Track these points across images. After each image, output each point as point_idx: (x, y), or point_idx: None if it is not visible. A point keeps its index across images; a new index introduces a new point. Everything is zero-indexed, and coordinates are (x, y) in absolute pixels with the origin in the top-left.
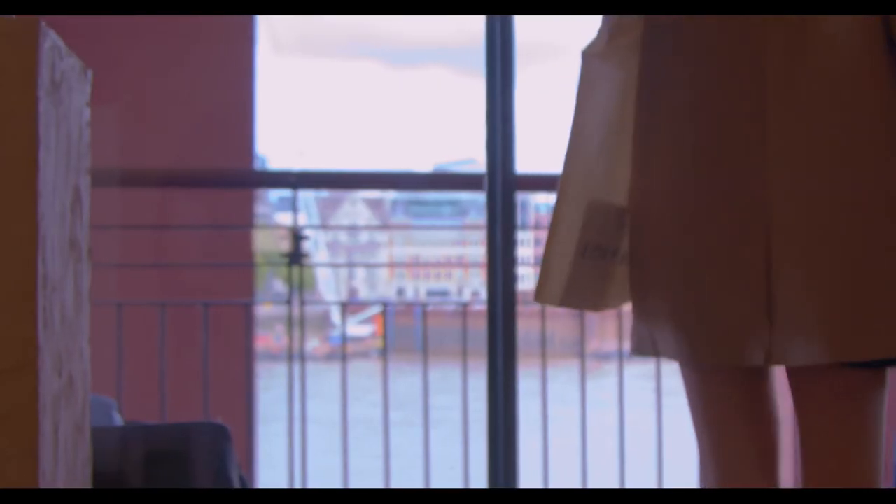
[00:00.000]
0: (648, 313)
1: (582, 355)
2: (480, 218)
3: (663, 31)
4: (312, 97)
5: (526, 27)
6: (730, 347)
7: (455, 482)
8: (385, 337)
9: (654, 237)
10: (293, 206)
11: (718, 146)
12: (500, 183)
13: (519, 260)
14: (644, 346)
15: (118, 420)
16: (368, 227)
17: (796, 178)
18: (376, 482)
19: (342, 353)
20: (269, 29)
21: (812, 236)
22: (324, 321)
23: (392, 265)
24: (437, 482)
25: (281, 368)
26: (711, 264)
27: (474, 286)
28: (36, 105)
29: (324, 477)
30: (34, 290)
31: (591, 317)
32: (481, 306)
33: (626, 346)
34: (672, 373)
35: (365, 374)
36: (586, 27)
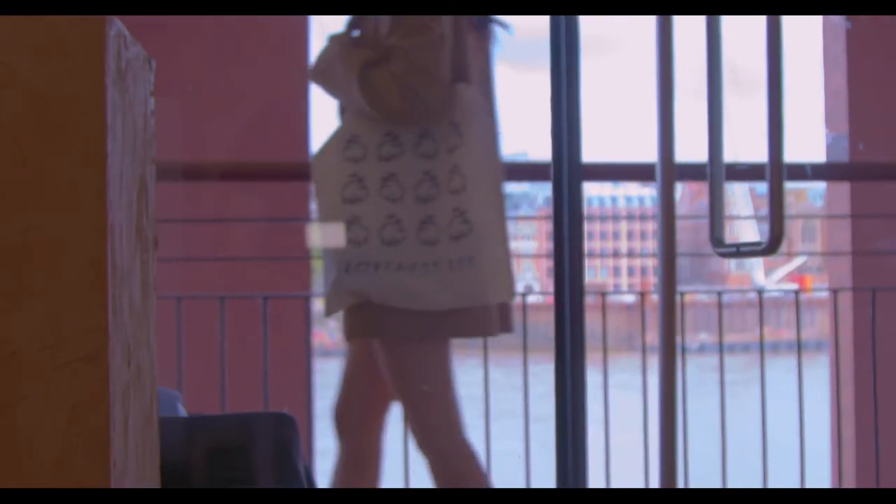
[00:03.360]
0: None
1: (643, 349)
2: (532, 211)
3: None
4: None
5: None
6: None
7: (518, 473)
8: None
9: None
10: None
11: None
12: (567, 172)
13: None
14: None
15: (183, 413)
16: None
17: None
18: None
19: None
20: (320, 27)
21: None
22: None
23: None
24: (498, 474)
25: (336, 364)
26: None
27: (526, 279)
28: (104, 93)
29: (384, 474)
30: (104, 280)
31: (636, 310)
32: (534, 299)
33: (688, 340)
34: (734, 367)
35: None
36: (633, 23)
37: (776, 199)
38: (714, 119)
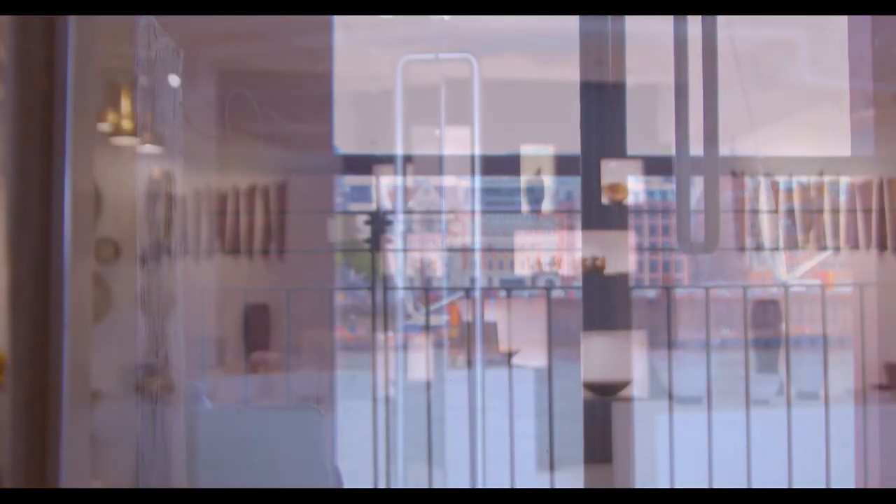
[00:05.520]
0: None
1: (668, 345)
2: (554, 205)
3: None
4: (384, 87)
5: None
6: None
7: (544, 465)
8: (470, 325)
9: None
10: (376, 190)
11: None
12: (595, 166)
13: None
14: None
15: (208, 405)
16: (457, 212)
17: None
18: (461, 475)
19: (425, 341)
20: (341, 20)
21: None
22: (396, 310)
23: (477, 250)
24: (522, 470)
25: (355, 358)
26: None
27: (547, 274)
28: (134, 81)
29: (408, 467)
30: (132, 267)
31: (662, 304)
32: (556, 294)
33: (713, 335)
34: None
35: (440, 363)
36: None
37: (711, 198)
38: (680, 116)
